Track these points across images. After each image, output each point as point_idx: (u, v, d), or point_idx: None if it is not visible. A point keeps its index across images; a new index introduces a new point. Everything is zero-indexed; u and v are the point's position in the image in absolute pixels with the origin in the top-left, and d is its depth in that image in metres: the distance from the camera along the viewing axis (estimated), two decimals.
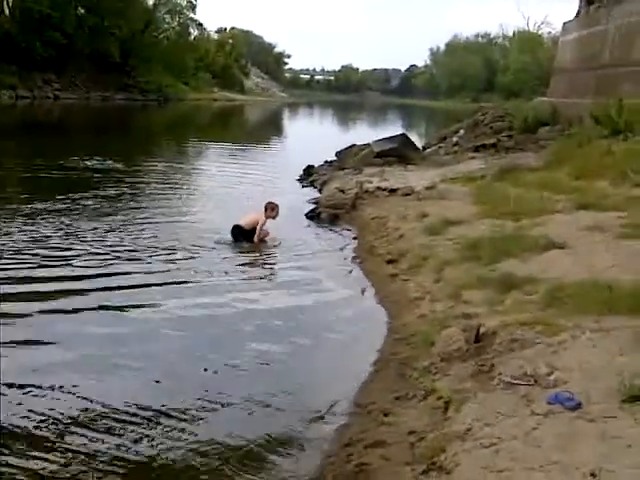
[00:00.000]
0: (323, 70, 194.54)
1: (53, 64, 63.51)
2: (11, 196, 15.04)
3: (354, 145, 22.62)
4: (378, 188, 15.47)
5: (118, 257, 10.13)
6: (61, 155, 22.01)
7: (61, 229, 11.64)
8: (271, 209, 11.83)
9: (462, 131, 26.06)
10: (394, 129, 40.10)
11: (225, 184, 18.86)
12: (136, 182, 18.12)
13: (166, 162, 23.66)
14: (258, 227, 11.55)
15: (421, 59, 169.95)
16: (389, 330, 7.46)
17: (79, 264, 9.63)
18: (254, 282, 9.59)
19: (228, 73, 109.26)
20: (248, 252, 11.18)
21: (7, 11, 65.49)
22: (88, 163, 20.99)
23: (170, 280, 9.14)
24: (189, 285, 9.06)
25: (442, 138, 26.80)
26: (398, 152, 20.46)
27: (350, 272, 10.10)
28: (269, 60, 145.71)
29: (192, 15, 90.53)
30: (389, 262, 10.02)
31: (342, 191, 15.58)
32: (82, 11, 70.23)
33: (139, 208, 14.30)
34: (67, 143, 29.23)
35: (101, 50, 68.26)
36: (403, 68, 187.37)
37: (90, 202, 14.45)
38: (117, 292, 8.50)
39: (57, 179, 17.83)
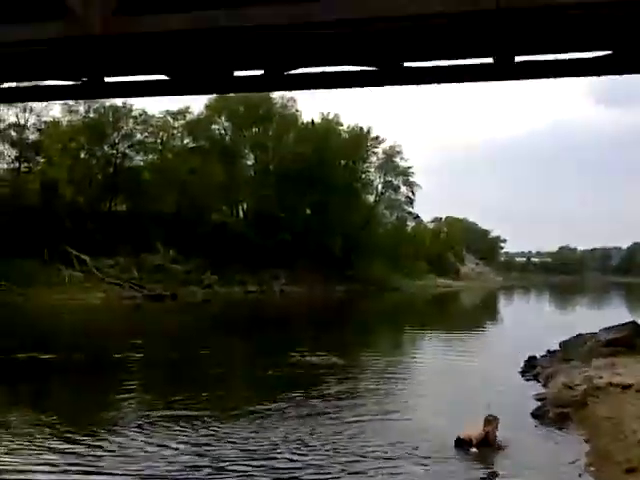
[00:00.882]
0: (539, 252, 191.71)
1: (281, 260, 67.95)
2: (233, 395, 15.67)
3: (579, 335, 21.66)
4: (610, 383, 14.51)
5: (343, 470, 10.06)
6: (284, 351, 22.92)
7: (285, 436, 11.76)
8: (489, 422, 11.43)
9: None
10: (619, 313, 38.10)
11: (443, 378, 18.61)
12: (355, 378, 18.39)
13: (384, 355, 23.95)
14: (476, 439, 11.14)
15: None
16: None
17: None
18: None
19: (444, 260, 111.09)
20: (473, 461, 10.70)
21: (242, 214, 72.01)
22: (309, 359, 21.58)
23: None
24: None
25: None
26: (629, 341, 19.27)
27: None
28: (484, 246, 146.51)
29: (409, 209, 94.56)
30: (629, 471, 9.18)
31: (569, 387, 14.80)
32: (309, 212, 75.64)
33: (358, 407, 14.34)
34: (289, 337, 30.48)
35: (324, 246, 72.29)
36: (624, 245, 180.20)
37: (311, 402, 14.73)
38: None
39: (278, 377, 18.46)
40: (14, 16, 11.92)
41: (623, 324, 21.42)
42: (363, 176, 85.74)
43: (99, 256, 54.12)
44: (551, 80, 11.77)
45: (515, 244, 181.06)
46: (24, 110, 55.22)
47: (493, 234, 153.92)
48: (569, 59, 10.83)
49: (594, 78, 11.79)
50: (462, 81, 11.87)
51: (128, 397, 15.82)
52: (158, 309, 47.42)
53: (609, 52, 10.46)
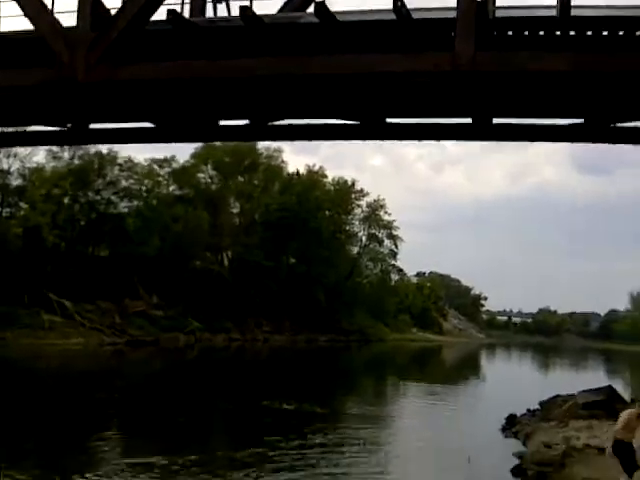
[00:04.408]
0: (520, 312, 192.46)
1: (264, 309, 67.69)
2: (204, 444, 15.47)
3: (558, 396, 21.69)
4: (587, 445, 14.45)
5: None
6: (263, 396, 22.72)
7: None
8: None
9: None
10: (597, 376, 38.21)
11: (425, 433, 18.45)
12: (334, 430, 18.16)
13: (365, 408, 23.72)
14: None
15: (622, 304, 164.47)
16: None
17: None
18: None
19: (427, 315, 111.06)
20: None
21: (226, 262, 71.90)
22: (287, 406, 21.42)
23: None
24: None
25: None
26: (605, 405, 19.28)
27: None
28: (466, 302, 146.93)
29: (393, 262, 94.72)
30: None
31: (548, 446, 14.74)
32: (293, 261, 75.70)
33: (336, 460, 14.19)
34: (270, 384, 30.22)
35: (308, 295, 72.17)
36: (602, 312, 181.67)
37: (280, 451, 14.55)
38: None
39: (255, 422, 18.27)
40: (1, 62, 12.04)
41: (600, 388, 21.61)
42: (347, 228, 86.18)
43: (80, 301, 53.61)
44: (535, 143, 12.04)
45: (496, 303, 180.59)
46: (8, 155, 55.13)
47: (475, 291, 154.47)
48: (544, 125, 11.08)
49: (579, 145, 12.09)
50: (442, 139, 12.15)
51: (90, 446, 15.52)
52: (138, 355, 46.91)
53: (581, 120, 10.74)
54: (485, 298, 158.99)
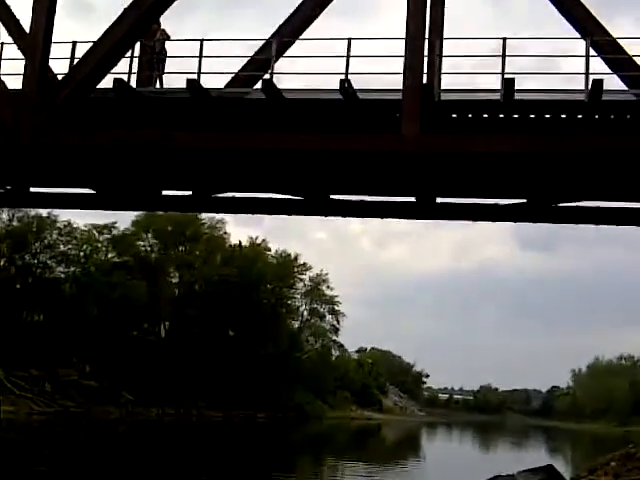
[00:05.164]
0: (462, 389, 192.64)
1: (200, 382, 66.25)
2: None
3: (498, 476, 21.45)
4: None
5: None
6: (189, 476, 21.92)
7: None
8: None
9: (613, 463, 24.31)
10: (538, 455, 38.17)
11: None
12: None
13: None
14: None
15: (563, 380, 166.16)
16: None
17: None
18: None
19: (367, 392, 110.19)
20: None
21: (163, 333, 70.66)
22: None
23: None
24: None
25: (592, 470, 25.02)
26: None
27: None
28: (408, 379, 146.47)
29: (334, 337, 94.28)
30: None
31: None
32: (232, 333, 74.57)
33: None
34: (198, 463, 29.25)
35: (247, 369, 70.97)
36: (544, 388, 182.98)
37: None
38: None
39: None
40: None
41: (540, 467, 21.48)
42: (289, 301, 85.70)
43: (11, 367, 51.91)
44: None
45: (438, 380, 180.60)
46: None
47: (416, 368, 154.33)
48: (487, 204, 11.29)
49: (519, 223, 12.29)
50: (385, 217, 12.22)
51: None
52: (67, 427, 45.23)
53: (524, 200, 10.96)
54: (427, 375, 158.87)
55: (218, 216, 74.02)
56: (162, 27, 12.59)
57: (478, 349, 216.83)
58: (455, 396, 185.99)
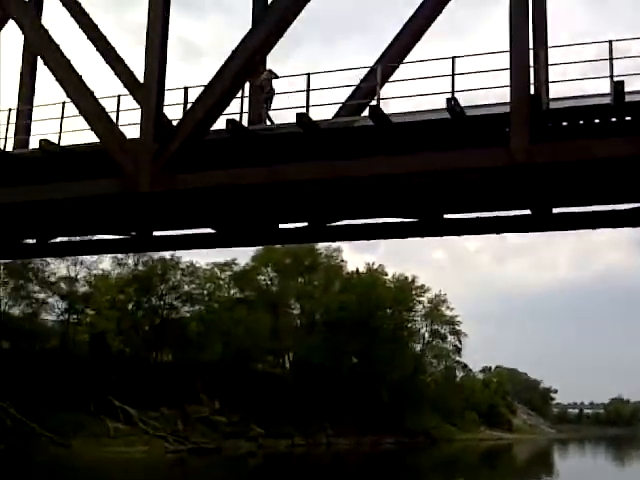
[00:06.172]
0: (592, 403, 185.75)
1: (327, 411, 66.43)
2: None
3: None
4: None
5: None
6: None
7: None
8: None
9: None
10: None
11: None
12: None
13: None
14: None
15: None
16: None
17: None
18: None
19: (494, 411, 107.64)
20: None
21: (288, 364, 71.49)
22: None
23: None
24: None
25: None
26: None
27: None
28: (535, 396, 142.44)
29: (457, 358, 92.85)
30: None
31: None
32: (355, 360, 74.66)
33: None
34: None
35: (372, 395, 70.77)
36: None
37: None
38: None
39: None
40: (68, 174, 12.57)
41: None
42: (409, 325, 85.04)
43: (144, 407, 53.60)
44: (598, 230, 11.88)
45: (566, 395, 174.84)
46: (75, 263, 56.70)
47: (544, 385, 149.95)
48: (605, 211, 10.96)
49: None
50: (501, 232, 12.07)
51: None
52: (200, 464, 46.29)
53: None
54: (555, 391, 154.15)
55: (334, 244, 74.76)
56: (268, 66, 13.01)
57: (606, 360, 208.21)
58: (585, 410, 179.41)
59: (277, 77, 12.72)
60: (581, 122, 10.19)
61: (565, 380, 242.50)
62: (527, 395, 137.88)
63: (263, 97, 12.52)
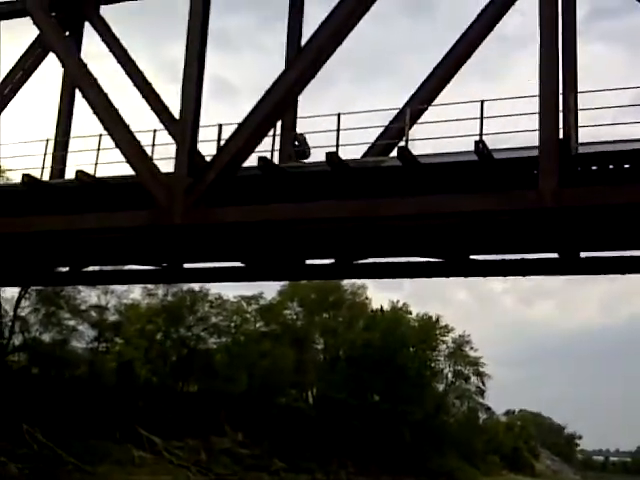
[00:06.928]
0: (618, 451, 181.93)
1: (349, 447, 65.87)
2: None
3: None
4: None
5: None
6: None
7: None
8: None
9: None
10: None
11: None
12: None
13: None
14: None
15: None
16: None
17: None
18: None
19: (517, 455, 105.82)
20: None
21: (311, 399, 71.13)
22: None
23: None
24: None
25: None
26: None
27: None
28: (560, 442, 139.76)
29: (480, 399, 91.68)
30: None
31: None
32: (377, 398, 74.10)
33: None
34: None
35: (394, 434, 70.08)
36: None
37: None
38: None
39: None
40: (103, 204, 12.87)
41: None
42: (432, 364, 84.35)
43: (169, 437, 53.47)
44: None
45: (592, 441, 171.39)
46: (105, 292, 57.15)
47: (568, 430, 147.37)
48: (634, 256, 10.95)
49: None
50: (527, 274, 12.07)
51: None
52: None
53: None
54: (580, 437, 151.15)
55: (359, 282, 74.78)
56: (300, 103, 13.25)
57: (634, 407, 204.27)
58: (611, 458, 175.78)
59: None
60: (611, 167, 10.24)
61: (591, 426, 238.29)
62: (551, 440, 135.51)
63: (295, 136, 12.75)
